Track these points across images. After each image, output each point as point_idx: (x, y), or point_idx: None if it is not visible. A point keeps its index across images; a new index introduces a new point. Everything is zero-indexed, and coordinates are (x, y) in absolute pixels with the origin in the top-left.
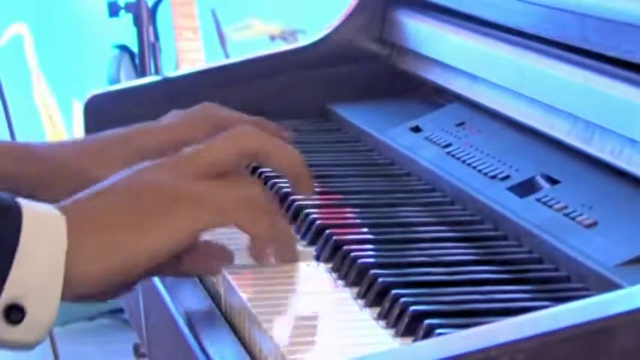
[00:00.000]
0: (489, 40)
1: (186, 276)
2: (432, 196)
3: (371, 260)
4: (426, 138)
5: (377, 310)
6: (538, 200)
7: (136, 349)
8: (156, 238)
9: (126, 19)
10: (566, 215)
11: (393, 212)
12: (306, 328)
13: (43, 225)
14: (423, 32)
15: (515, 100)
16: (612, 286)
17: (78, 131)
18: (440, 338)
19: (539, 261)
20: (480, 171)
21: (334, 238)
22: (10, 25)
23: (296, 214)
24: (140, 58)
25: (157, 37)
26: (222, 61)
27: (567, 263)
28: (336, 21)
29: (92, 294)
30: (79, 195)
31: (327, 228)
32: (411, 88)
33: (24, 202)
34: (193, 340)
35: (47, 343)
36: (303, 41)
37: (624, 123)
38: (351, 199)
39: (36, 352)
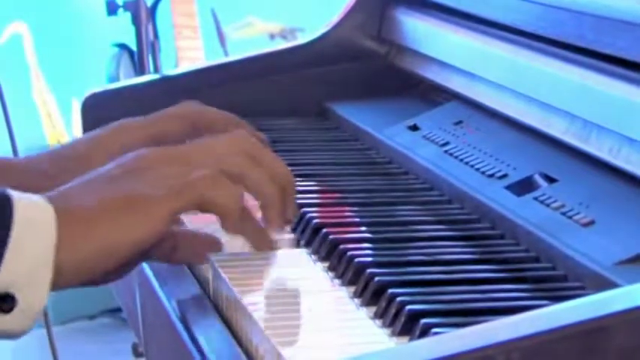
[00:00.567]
0: (487, 39)
1: (178, 263)
2: (429, 194)
3: (367, 259)
4: (424, 136)
5: (373, 309)
6: (535, 199)
7: (135, 348)
8: (135, 227)
9: (126, 17)
10: (564, 214)
11: (391, 211)
12: (302, 327)
13: (34, 215)
14: (421, 30)
15: (513, 98)
16: (609, 285)
17: (77, 130)
18: (435, 337)
19: (536, 260)
20: (477, 170)
21: (331, 236)
22: (9, 23)
23: None
24: (139, 56)
25: (156, 36)
26: (222, 60)
27: (564, 262)
28: (334, 19)
29: (81, 281)
30: (64, 186)
31: (324, 227)
32: (409, 87)
33: (15, 193)
34: (190, 340)
35: (46, 342)
36: (302, 40)
37: (622, 121)
38: (349, 198)
39: (35, 351)
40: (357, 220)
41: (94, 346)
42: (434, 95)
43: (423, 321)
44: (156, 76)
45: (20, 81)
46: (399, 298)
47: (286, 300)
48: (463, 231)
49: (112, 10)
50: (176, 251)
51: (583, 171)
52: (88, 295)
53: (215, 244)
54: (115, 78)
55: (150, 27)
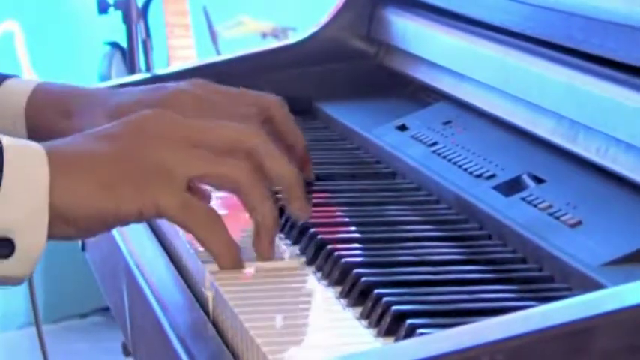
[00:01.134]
0: (476, 39)
1: None
2: (417, 194)
3: (354, 259)
4: (412, 136)
5: (359, 309)
6: (523, 199)
7: (125, 347)
8: (121, 205)
9: (118, 16)
10: (551, 215)
11: (378, 211)
12: (288, 327)
13: (24, 158)
14: (410, 30)
15: (502, 98)
16: (596, 285)
17: None
18: (420, 338)
19: (523, 260)
20: (465, 170)
21: (318, 236)
22: (0, 22)
23: (280, 212)
24: (130, 55)
25: (148, 35)
26: (214, 59)
27: (551, 263)
28: (323, 19)
29: (69, 234)
30: (70, 138)
31: (312, 226)
32: (398, 86)
33: (4, 138)
34: (177, 340)
35: (36, 340)
36: (293, 39)
37: (609, 122)
38: (337, 198)
39: (25, 350)
40: (345, 220)
41: (84, 345)
42: (423, 95)
43: (409, 321)
44: (147, 75)
45: None
46: (385, 299)
47: (272, 300)
48: (450, 231)
49: (102, 8)
50: None
51: (570, 172)
52: (79, 294)
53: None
54: (106, 77)
55: (142, 26)
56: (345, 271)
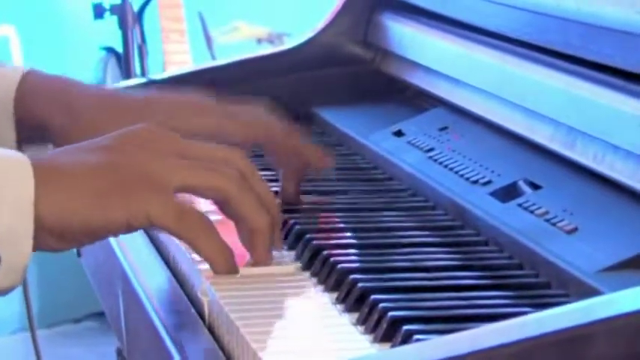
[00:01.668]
0: (473, 45)
1: None
2: (413, 200)
3: (350, 265)
4: (409, 142)
5: (356, 315)
6: (519, 205)
7: (120, 352)
8: (109, 215)
9: (113, 21)
10: (548, 221)
11: (375, 217)
12: (284, 333)
13: (8, 170)
14: (407, 36)
15: (498, 104)
16: (593, 292)
17: None
18: (417, 344)
19: (520, 267)
20: (462, 176)
21: (314, 242)
22: None
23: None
24: (125, 60)
25: (143, 40)
26: (209, 64)
27: (548, 269)
28: (320, 24)
29: (55, 246)
30: (57, 150)
31: (307, 232)
32: (395, 92)
33: None
34: (173, 345)
35: (30, 345)
36: (288, 44)
37: (606, 129)
38: (333, 204)
39: (19, 355)
40: (341, 225)
41: (79, 350)
42: (419, 101)
43: (406, 327)
44: (143, 80)
45: None
46: (381, 304)
47: (268, 305)
48: (447, 237)
49: (98, 13)
50: None
51: (567, 178)
52: (74, 299)
53: None
54: (102, 81)
55: (137, 31)
56: (341, 276)
